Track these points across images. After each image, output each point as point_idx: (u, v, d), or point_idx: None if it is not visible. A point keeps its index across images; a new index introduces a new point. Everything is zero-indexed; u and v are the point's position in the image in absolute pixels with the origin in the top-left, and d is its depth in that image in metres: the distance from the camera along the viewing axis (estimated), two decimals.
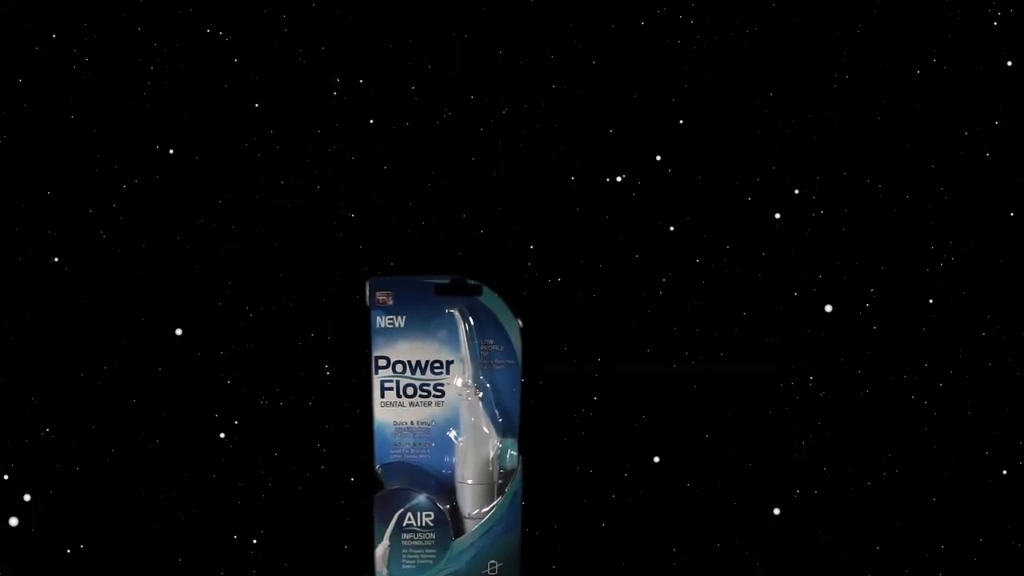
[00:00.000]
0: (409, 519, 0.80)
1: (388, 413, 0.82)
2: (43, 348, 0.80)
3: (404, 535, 0.81)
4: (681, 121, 0.82)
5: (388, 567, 0.81)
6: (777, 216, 0.82)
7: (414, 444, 0.82)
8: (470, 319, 0.80)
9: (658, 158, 0.82)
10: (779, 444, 0.84)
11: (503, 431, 0.81)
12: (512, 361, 0.81)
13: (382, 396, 0.81)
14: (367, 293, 0.80)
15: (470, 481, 0.81)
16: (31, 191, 0.80)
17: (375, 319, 0.80)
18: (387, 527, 0.80)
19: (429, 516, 0.80)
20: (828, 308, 0.83)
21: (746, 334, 0.83)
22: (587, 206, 0.83)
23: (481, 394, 0.81)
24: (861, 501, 0.83)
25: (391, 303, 0.80)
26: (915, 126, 0.82)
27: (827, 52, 0.81)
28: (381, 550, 0.80)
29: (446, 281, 0.80)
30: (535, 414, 0.82)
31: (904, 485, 0.83)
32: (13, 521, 0.79)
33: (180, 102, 0.80)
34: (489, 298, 0.80)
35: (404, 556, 0.81)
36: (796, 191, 0.82)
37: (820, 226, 0.83)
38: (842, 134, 0.82)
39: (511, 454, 0.80)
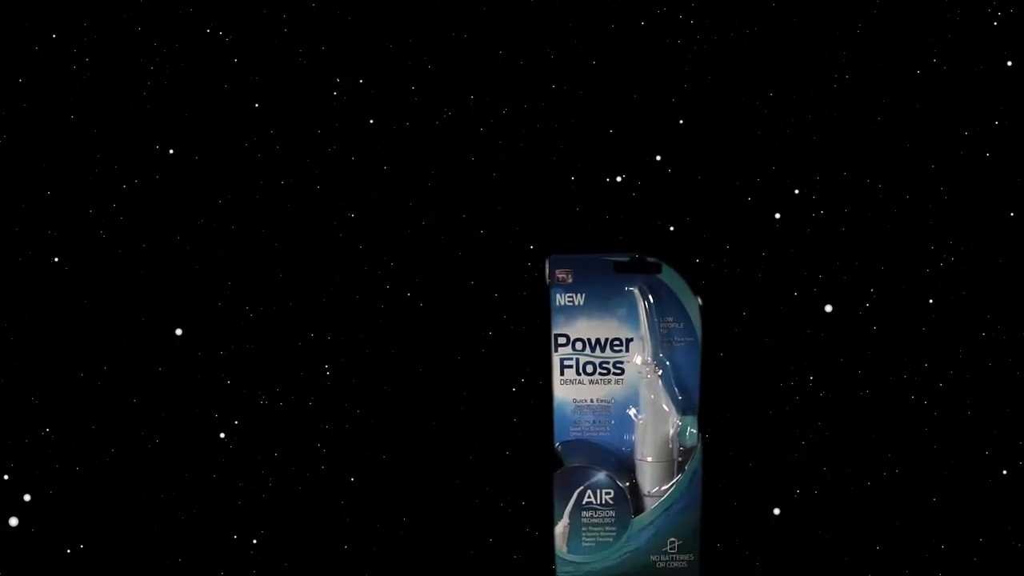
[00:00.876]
0: (589, 497, 0.81)
1: (568, 391, 0.82)
2: (43, 348, 0.80)
3: (584, 513, 0.81)
4: (681, 121, 0.82)
5: (568, 544, 0.81)
6: (777, 216, 0.82)
7: (594, 422, 0.82)
8: (650, 297, 0.80)
9: (658, 158, 0.82)
10: (779, 444, 0.84)
11: (683, 409, 0.81)
12: (692, 339, 0.81)
13: (562, 374, 0.82)
14: (546, 271, 0.81)
15: (650, 459, 0.81)
16: (31, 191, 0.80)
17: (554, 297, 0.81)
18: (567, 505, 0.81)
19: (609, 494, 0.81)
20: (828, 308, 0.83)
21: (746, 334, 0.83)
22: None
23: (661, 372, 0.81)
24: (861, 501, 0.83)
25: (570, 281, 0.80)
26: (915, 126, 0.82)
27: (827, 52, 0.81)
28: (561, 528, 0.81)
29: (625, 259, 0.81)
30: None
31: (904, 485, 0.83)
32: (13, 521, 0.79)
33: (180, 102, 0.80)
34: (669, 276, 0.80)
35: (584, 534, 0.81)
36: (796, 191, 0.82)
37: (820, 226, 0.83)
38: (842, 134, 0.82)
39: (691, 432, 0.80)
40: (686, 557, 0.82)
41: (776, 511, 0.82)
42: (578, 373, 0.82)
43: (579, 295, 0.81)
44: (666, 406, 0.80)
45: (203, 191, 0.81)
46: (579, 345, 0.81)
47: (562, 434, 0.83)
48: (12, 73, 0.78)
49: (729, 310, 0.84)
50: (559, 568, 0.82)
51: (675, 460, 0.81)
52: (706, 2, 0.80)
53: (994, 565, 0.82)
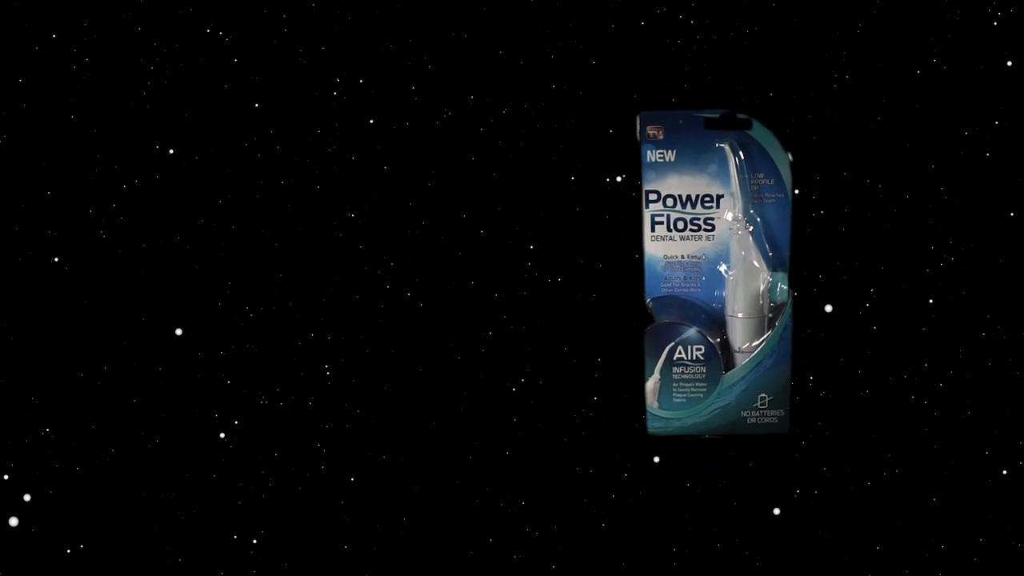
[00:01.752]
0: (680, 353, 0.82)
1: (658, 247, 0.82)
2: (43, 348, 0.80)
3: (675, 369, 0.82)
4: (681, 121, 0.82)
5: (659, 400, 0.82)
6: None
7: (684, 278, 0.83)
8: (740, 153, 0.80)
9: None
10: (781, 444, 0.84)
11: (773, 265, 0.81)
12: (782, 195, 0.81)
13: (652, 230, 0.82)
14: (637, 127, 0.80)
15: (740, 315, 0.81)
16: (31, 191, 0.80)
17: (645, 153, 0.81)
18: (657, 361, 0.82)
19: (700, 350, 0.81)
20: (828, 308, 0.83)
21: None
22: None
23: (751, 228, 0.81)
24: (861, 501, 0.83)
25: (662, 137, 0.80)
26: (915, 126, 0.82)
27: (827, 52, 0.81)
28: (652, 384, 0.82)
29: (716, 115, 0.80)
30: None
31: (904, 485, 0.83)
32: (13, 521, 0.79)
33: (180, 102, 0.80)
34: (759, 132, 0.80)
35: (675, 390, 0.82)
36: (796, 191, 0.82)
37: (820, 226, 0.83)
38: (842, 134, 0.82)
39: (781, 288, 0.80)
40: (776, 413, 0.82)
41: (776, 511, 0.82)
42: (669, 229, 0.82)
43: (670, 151, 0.81)
44: (757, 262, 0.81)
45: (203, 191, 0.81)
46: (670, 201, 0.81)
47: (653, 290, 0.83)
48: (12, 73, 0.78)
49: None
50: (650, 424, 0.83)
51: (766, 316, 0.81)
52: (706, 2, 0.80)
53: (994, 565, 0.82)
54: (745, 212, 0.81)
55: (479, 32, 0.81)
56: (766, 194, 0.81)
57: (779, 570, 0.82)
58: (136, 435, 0.82)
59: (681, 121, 0.80)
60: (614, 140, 0.82)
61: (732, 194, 0.81)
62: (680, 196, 0.81)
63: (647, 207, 0.82)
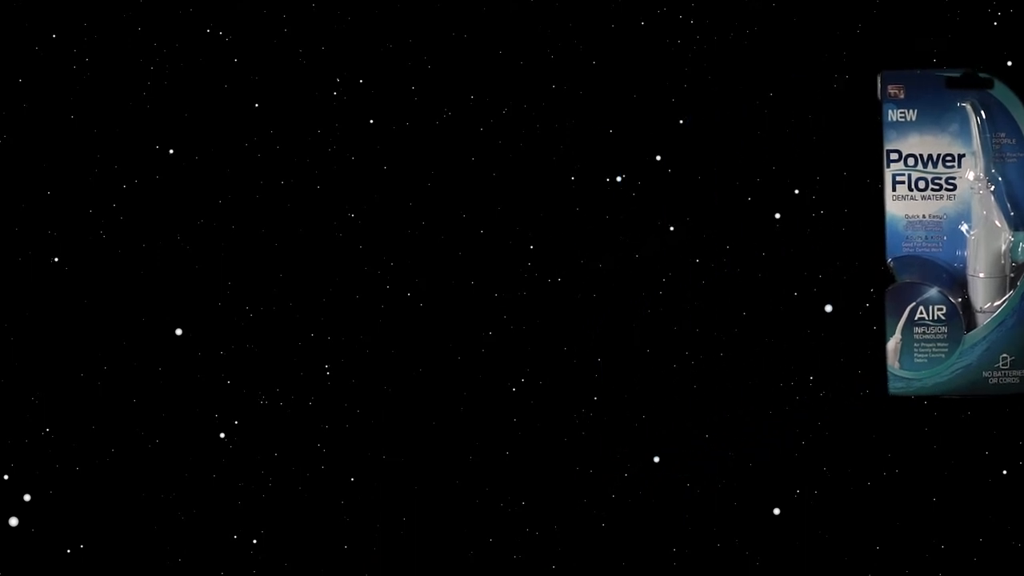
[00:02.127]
0: (921, 313, 0.82)
1: (900, 207, 0.82)
2: (43, 348, 0.80)
3: (916, 329, 0.82)
4: (681, 121, 0.82)
5: (900, 361, 0.82)
6: (777, 216, 0.82)
7: (926, 238, 0.83)
8: (982, 112, 0.81)
9: (658, 158, 0.82)
10: (780, 444, 0.83)
11: (1015, 225, 0.81)
12: None
13: (894, 190, 0.82)
14: (879, 86, 0.81)
15: (982, 274, 0.81)
16: (31, 191, 0.80)
17: (887, 112, 0.82)
18: (899, 321, 0.82)
19: (941, 310, 0.81)
20: (828, 308, 0.83)
21: (746, 334, 0.83)
22: None
23: (993, 187, 0.81)
24: (861, 501, 0.83)
25: (903, 96, 0.81)
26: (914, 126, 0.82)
27: (827, 52, 0.81)
28: (893, 343, 0.81)
29: (958, 74, 0.81)
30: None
31: (904, 485, 0.83)
32: (13, 521, 0.79)
33: (180, 102, 0.80)
34: (1001, 91, 0.81)
35: (916, 350, 0.82)
36: (796, 191, 0.82)
37: (820, 226, 0.83)
38: (842, 134, 0.82)
39: (1023, 248, 0.80)
40: (1019, 373, 0.82)
41: (776, 511, 0.82)
42: (910, 189, 0.82)
43: (911, 111, 0.81)
44: (998, 222, 0.80)
45: (203, 191, 0.81)
46: (911, 161, 0.81)
47: (894, 250, 0.83)
48: (12, 73, 0.78)
49: None
50: (891, 384, 0.82)
51: (1007, 276, 0.81)
52: (706, 2, 0.80)
53: (994, 565, 0.82)
54: (987, 171, 0.81)
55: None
56: (1008, 153, 0.81)
57: (779, 570, 0.82)
58: (136, 435, 0.81)
59: (917, 80, 0.81)
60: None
61: (973, 153, 0.81)
62: (921, 155, 0.82)
63: (888, 167, 0.82)
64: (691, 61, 0.82)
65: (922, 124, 0.82)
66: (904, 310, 0.82)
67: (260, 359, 0.82)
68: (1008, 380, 0.82)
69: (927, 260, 0.83)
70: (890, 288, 0.83)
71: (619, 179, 0.82)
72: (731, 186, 0.84)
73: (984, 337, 0.82)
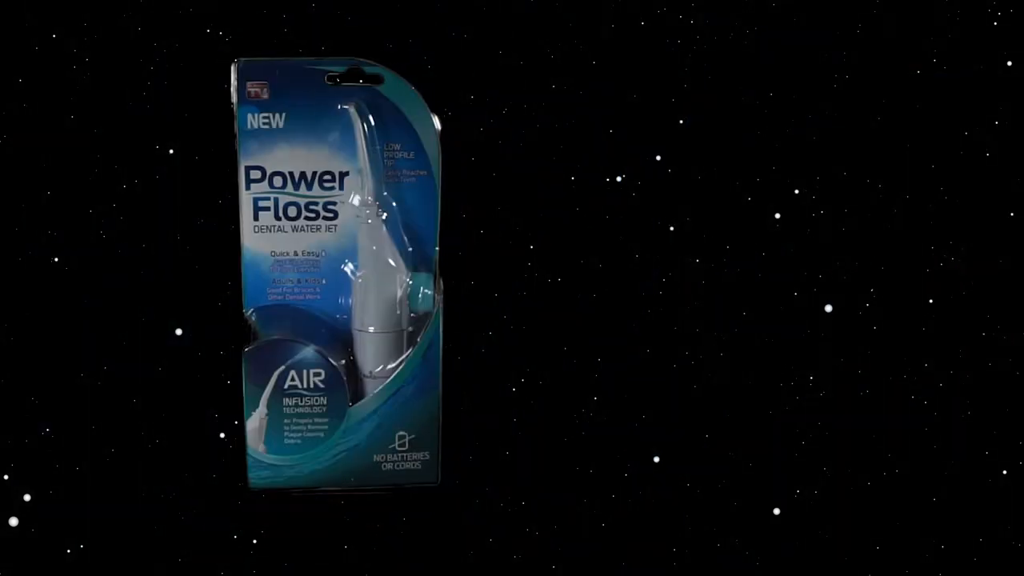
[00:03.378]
0: (292, 379, 0.65)
1: (264, 241, 0.65)
2: (43, 348, 0.80)
3: (286, 400, 0.65)
4: (681, 121, 0.82)
5: (265, 443, 0.65)
6: (777, 216, 0.82)
7: (298, 281, 0.66)
8: (370, 117, 0.64)
9: (658, 158, 0.82)
10: (779, 444, 0.84)
11: (414, 263, 0.66)
12: (426, 172, 0.65)
13: (256, 219, 0.65)
14: (233, 82, 0.63)
15: (372, 329, 0.65)
16: (31, 191, 0.80)
17: (245, 118, 0.63)
18: (263, 391, 0.65)
19: (319, 375, 0.65)
20: (828, 308, 0.83)
21: (746, 334, 0.83)
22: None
23: (386, 215, 0.65)
24: (861, 501, 0.83)
25: (266, 96, 0.63)
26: (915, 126, 0.82)
27: (827, 52, 0.81)
28: (256, 421, 0.64)
29: (341, 68, 0.64)
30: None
31: (904, 485, 0.83)
32: (13, 521, 0.79)
33: (180, 102, 0.80)
34: (395, 88, 0.63)
35: (287, 428, 0.65)
36: (796, 191, 0.82)
37: (820, 226, 0.83)
38: (842, 134, 0.82)
39: (425, 292, 0.65)
40: (420, 456, 0.68)
41: (776, 511, 0.82)
42: (278, 217, 0.65)
43: (279, 115, 0.64)
44: (392, 260, 0.65)
45: (202, 191, 0.81)
46: (278, 181, 0.65)
47: (256, 298, 0.66)
48: (12, 73, 0.78)
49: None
50: (252, 473, 0.66)
51: (405, 330, 0.66)
52: (706, 2, 0.80)
53: (994, 565, 0.82)
54: (377, 194, 0.65)
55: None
56: (404, 170, 0.66)
57: (779, 570, 0.82)
58: (136, 435, 0.82)
59: (287, 74, 0.61)
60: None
61: (360, 171, 0.65)
62: (292, 174, 0.65)
63: (248, 188, 0.64)
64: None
65: (293, 132, 0.64)
66: (271, 376, 0.66)
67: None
68: (407, 466, 0.68)
69: (300, 310, 0.67)
70: (250, 348, 0.65)
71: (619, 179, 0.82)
72: None
73: (375, 410, 0.67)
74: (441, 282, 0.67)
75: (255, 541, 0.66)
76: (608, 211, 0.80)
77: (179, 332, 0.80)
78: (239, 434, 0.77)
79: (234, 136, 0.63)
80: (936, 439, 0.83)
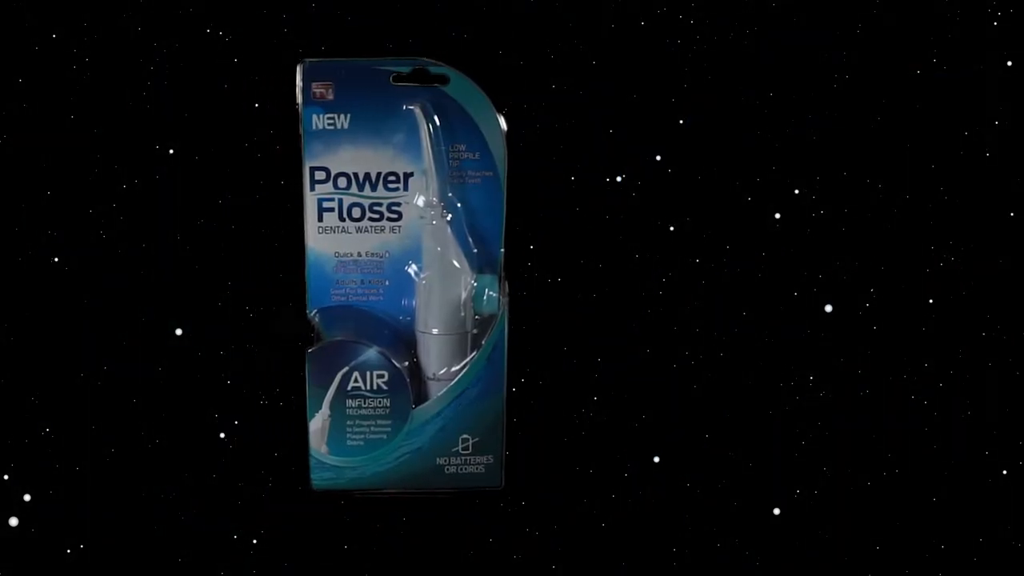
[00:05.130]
0: (355, 380, 0.64)
1: (328, 241, 0.65)
2: (43, 348, 0.81)
3: (349, 402, 0.64)
4: (681, 121, 0.82)
5: (327, 444, 0.64)
6: (777, 216, 0.82)
7: (362, 282, 0.66)
8: (435, 117, 0.64)
9: (658, 158, 0.82)
10: (779, 444, 0.84)
11: (479, 265, 0.65)
12: (491, 172, 0.65)
13: (320, 219, 0.64)
14: (299, 83, 0.63)
15: (435, 331, 0.65)
16: (31, 191, 0.80)
17: (309, 119, 0.63)
18: (326, 392, 0.64)
19: (382, 376, 0.64)
20: (828, 308, 0.83)
21: (746, 334, 0.83)
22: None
23: (450, 216, 0.65)
24: (861, 501, 0.83)
25: (331, 97, 0.63)
26: (915, 126, 0.82)
27: (827, 52, 0.81)
28: (319, 422, 0.64)
29: (406, 68, 0.63)
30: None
31: (904, 485, 0.83)
32: (13, 521, 0.79)
33: (180, 102, 0.80)
34: (460, 88, 0.63)
35: (349, 429, 0.65)
36: (796, 191, 0.82)
37: (820, 226, 0.83)
38: (842, 134, 0.82)
39: (490, 295, 0.65)
40: (483, 459, 0.67)
41: (776, 511, 0.82)
42: (342, 218, 0.65)
43: (343, 116, 0.64)
44: (457, 261, 0.65)
45: (203, 191, 0.81)
46: (343, 181, 0.64)
47: (320, 299, 0.66)
48: (12, 73, 0.78)
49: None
50: (315, 475, 0.66)
51: (469, 333, 0.66)
52: (706, 2, 0.80)
53: (994, 565, 0.82)
54: (442, 195, 0.64)
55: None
56: (469, 172, 0.65)
57: (779, 570, 0.82)
58: (136, 435, 0.82)
59: (353, 75, 0.61)
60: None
61: (424, 171, 0.64)
62: (356, 174, 0.65)
63: (312, 189, 0.64)
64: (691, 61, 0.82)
65: (357, 133, 0.64)
66: (334, 378, 0.65)
67: (260, 359, 0.82)
68: (470, 469, 0.67)
69: (363, 312, 0.66)
70: (313, 349, 0.65)
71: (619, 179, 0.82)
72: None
73: (438, 412, 0.66)
74: (506, 284, 0.67)
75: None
76: (608, 211, 0.80)
77: (179, 332, 0.80)
78: (239, 434, 0.76)
79: (298, 137, 0.64)
80: (936, 439, 0.83)
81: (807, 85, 0.81)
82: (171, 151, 0.78)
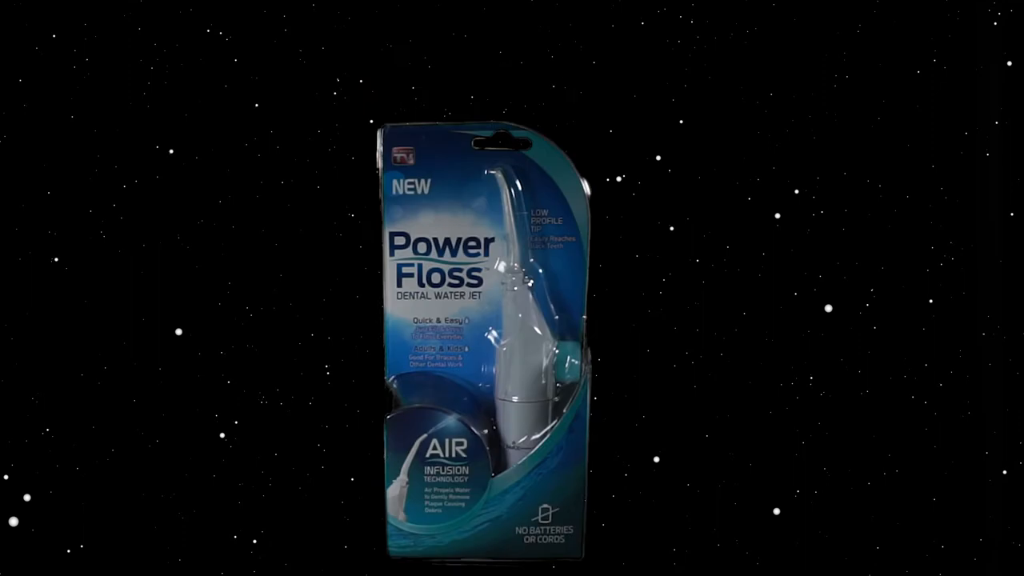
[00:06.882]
0: (434, 447, 0.64)
1: (406, 307, 0.64)
2: (43, 348, 0.80)
3: (427, 469, 0.64)
4: (681, 121, 0.82)
5: (406, 511, 0.64)
6: (777, 216, 0.82)
7: (441, 348, 0.65)
8: (517, 182, 0.63)
9: (658, 158, 0.82)
10: (779, 444, 0.84)
11: (561, 332, 0.64)
12: (574, 238, 0.64)
13: (399, 285, 0.64)
14: (379, 148, 0.62)
15: (516, 398, 0.64)
16: (31, 191, 0.80)
17: (390, 183, 0.63)
18: (405, 459, 0.63)
19: (461, 444, 0.63)
20: (828, 308, 0.83)
21: (746, 334, 0.83)
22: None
23: (532, 282, 0.64)
24: (861, 501, 0.83)
25: (411, 161, 0.63)
26: (915, 126, 0.82)
27: (827, 52, 0.81)
28: (397, 489, 0.63)
29: (489, 132, 0.63)
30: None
31: (904, 485, 0.83)
32: (13, 521, 0.79)
33: (180, 102, 0.80)
34: (542, 152, 0.62)
35: (427, 497, 0.64)
36: (796, 191, 0.82)
37: (820, 226, 0.83)
38: (842, 134, 0.82)
39: (572, 362, 0.64)
40: (564, 529, 0.65)
41: (776, 511, 0.82)
42: (421, 284, 0.64)
43: (423, 181, 0.63)
44: (538, 328, 0.63)
45: (203, 191, 0.81)
46: (423, 247, 0.64)
47: (398, 365, 0.65)
48: (12, 73, 0.78)
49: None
50: (392, 542, 0.65)
51: (550, 400, 0.64)
52: (706, 2, 0.80)
53: (994, 565, 0.82)
54: (523, 261, 0.64)
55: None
56: (551, 237, 0.64)
57: (779, 570, 0.82)
58: (136, 435, 0.82)
59: (433, 139, 0.60)
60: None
61: (506, 236, 0.63)
62: (436, 240, 0.64)
63: (392, 255, 0.64)
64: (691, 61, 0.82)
65: (437, 198, 0.63)
66: (412, 444, 0.64)
67: (260, 359, 0.82)
68: (550, 539, 0.65)
69: (442, 379, 0.65)
70: (392, 416, 0.64)
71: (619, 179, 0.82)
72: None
73: (518, 482, 0.64)
74: (588, 351, 0.66)
75: None
76: (610, 210, 0.80)
77: (179, 332, 0.80)
78: (239, 434, 0.76)
79: (379, 202, 0.63)
80: (936, 439, 0.83)
81: (807, 85, 0.81)
82: (171, 151, 0.78)
